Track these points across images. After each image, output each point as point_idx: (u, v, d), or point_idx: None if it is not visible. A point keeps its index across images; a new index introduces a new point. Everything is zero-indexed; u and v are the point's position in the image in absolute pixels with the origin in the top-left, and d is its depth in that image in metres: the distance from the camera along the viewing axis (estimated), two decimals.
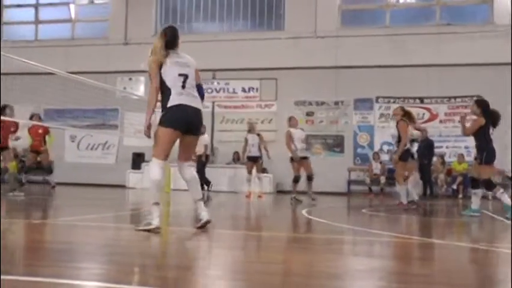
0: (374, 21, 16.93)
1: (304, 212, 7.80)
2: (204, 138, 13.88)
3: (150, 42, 17.38)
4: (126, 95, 16.39)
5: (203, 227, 4.72)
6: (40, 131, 11.74)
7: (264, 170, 13.77)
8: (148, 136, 4.76)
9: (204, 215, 4.76)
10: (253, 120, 14.50)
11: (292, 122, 11.23)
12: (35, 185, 14.77)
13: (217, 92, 17.44)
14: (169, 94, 4.72)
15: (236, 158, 16.14)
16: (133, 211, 7.83)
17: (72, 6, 19.13)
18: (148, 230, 4.46)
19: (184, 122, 4.70)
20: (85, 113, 17.69)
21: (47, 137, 11.96)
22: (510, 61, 13.30)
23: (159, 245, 4.20)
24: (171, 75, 4.76)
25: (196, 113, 4.82)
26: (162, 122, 4.69)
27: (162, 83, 4.75)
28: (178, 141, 4.81)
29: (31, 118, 11.51)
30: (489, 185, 7.42)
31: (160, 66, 4.77)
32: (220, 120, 17.36)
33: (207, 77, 17.29)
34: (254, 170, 12.36)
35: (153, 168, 4.67)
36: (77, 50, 18.08)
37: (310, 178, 10.86)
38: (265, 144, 12.48)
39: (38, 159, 11.93)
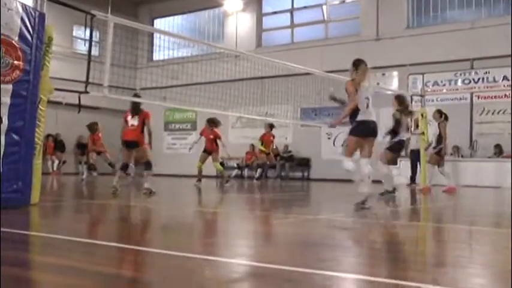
0: None
1: None
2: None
3: (403, 36, 19.65)
4: (380, 90, 18.31)
5: None
6: (211, 136, 14.34)
7: None
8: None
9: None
10: None
11: None
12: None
13: (476, 82, 18.24)
14: (358, 111, 7.37)
15: (498, 152, 16.84)
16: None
17: (324, 7, 21.91)
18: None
19: (366, 131, 7.46)
20: (340, 110, 20.08)
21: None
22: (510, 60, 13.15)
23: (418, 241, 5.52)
24: (360, 98, 7.44)
25: (375, 124, 7.51)
26: (351, 131, 7.56)
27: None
28: None
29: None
30: None
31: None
32: (480, 111, 18.11)
33: (464, 67, 18.35)
34: None
35: (345, 163, 7.40)
36: (330, 49, 20.72)
37: None
38: None
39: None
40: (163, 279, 2.78)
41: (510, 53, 16.83)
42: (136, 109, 10.01)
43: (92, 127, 16.20)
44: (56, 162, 22.45)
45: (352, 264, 3.46)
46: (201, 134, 14.76)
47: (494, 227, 6.13)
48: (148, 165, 10.05)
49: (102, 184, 14.39)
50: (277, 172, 20.30)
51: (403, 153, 12.76)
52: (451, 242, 4.66)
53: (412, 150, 15.01)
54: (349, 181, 11.08)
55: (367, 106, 7.42)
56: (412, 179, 14.95)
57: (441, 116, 12.72)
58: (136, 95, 11.06)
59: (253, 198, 10.65)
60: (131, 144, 10.04)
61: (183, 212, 7.53)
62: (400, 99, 10.74)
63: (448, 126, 14.95)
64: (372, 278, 2.90)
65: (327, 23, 21.98)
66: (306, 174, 21.26)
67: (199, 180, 14.20)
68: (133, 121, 10.00)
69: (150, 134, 10.10)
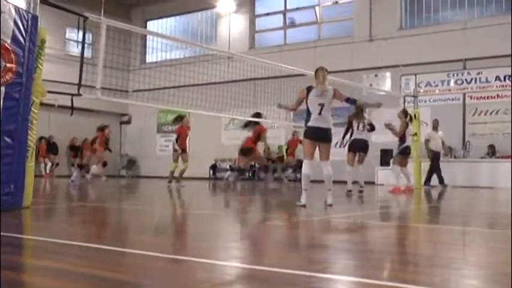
0: None
1: None
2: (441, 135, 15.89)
3: (396, 36, 19.77)
4: (373, 91, 18.37)
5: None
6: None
7: None
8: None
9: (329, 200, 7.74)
10: None
11: None
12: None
13: (468, 82, 18.33)
14: (310, 117, 7.76)
15: (491, 152, 16.93)
16: (384, 209, 8.93)
17: (317, 8, 21.95)
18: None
19: (317, 136, 7.84)
20: (333, 111, 20.06)
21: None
22: (510, 59, 13.63)
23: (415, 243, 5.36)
24: (312, 104, 7.77)
25: (326, 131, 7.80)
26: (304, 135, 8.04)
27: (306, 108, 7.93)
28: None
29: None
30: None
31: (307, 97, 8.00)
32: (473, 112, 18.20)
33: (457, 67, 18.44)
34: None
35: (303, 165, 7.84)
36: (323, 50, 20.76)
37: None
38: None
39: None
40: (155, 282, 2.78)
41: (507, 53, 16.97)
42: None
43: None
44: (49, 164, 22.38)
45: (346, 266, 3.47)
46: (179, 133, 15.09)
47: (488, 228, 6.16)
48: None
49: (100, 187, 14.35)
50: (279, 173, 20.36)
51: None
52: (444, 243, 4.68)
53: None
54: (343, 182, 11.12)
55: (320, 113, 7.68)
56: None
57: (406, 116, 12.84)
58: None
59: (246, 199, 10.66)
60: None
61: (175, 214, 7.53)
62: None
63: (440, 127, 15.09)
64: (365, 280, 2.91)
65: (319, 24, 22.02)
66: (298, 175, 21.23)
67: (170, 182, 14.44)
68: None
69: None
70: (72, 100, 7.44)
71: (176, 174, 14.42)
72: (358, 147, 11.58)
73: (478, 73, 18.27)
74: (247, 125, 14.48)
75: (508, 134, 17.17)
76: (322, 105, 7.66)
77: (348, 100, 8.10)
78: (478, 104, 18.22)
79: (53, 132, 22.16)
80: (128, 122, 26.54)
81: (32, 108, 6.74)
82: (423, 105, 17.56)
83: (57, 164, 22.77)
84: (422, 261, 3.71)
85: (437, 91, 18.97)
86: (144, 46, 26.38)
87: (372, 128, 11.79)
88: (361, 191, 11.11)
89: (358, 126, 11.55)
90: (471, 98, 18.37)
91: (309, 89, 7.81)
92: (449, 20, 19.34)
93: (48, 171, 22.12)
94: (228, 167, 21.75)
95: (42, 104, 7.17)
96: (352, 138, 11.72)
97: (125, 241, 4.61)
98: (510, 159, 16.32)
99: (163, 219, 6.74)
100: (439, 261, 3.61)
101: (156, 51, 25.54)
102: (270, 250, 4.14)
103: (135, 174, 25.85)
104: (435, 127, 15.90)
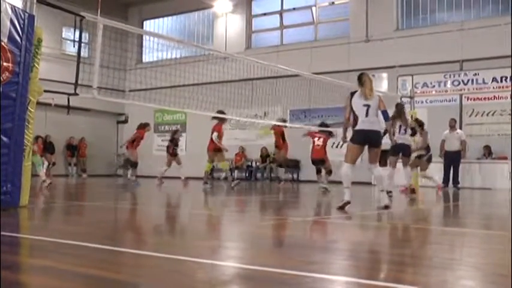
0: None
1: None
2: (461, 134, 15.93)
3: (393, 37, 19.73)
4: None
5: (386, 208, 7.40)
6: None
7: None
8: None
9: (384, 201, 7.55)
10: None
11: None
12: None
13: (465, 83, 18.37)
14: (357, 119, 7.49)
15: (487, 153, 16.96)
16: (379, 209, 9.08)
17: (313, 9, 21.97)
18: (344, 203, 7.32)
19: (365, 140, 7.51)
20: (329, 111, 20.10)
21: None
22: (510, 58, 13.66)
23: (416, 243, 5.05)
24: (357, 106, 7.51)
25: (375, 133, 7.51)
26: (351, 139, 7.69)
27: (352, 110, 7.64)
28: None
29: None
30: None
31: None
32: (470, 113, 18.23)
33: (453, 68, 18.50)
34: None
35: (343, 169, 7.61)
36: (320, 51, 20.79)
37: None
38: None
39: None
40: (153, 282, 2.78)
41: (503, 54, 17.02)
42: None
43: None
44: (46, 164, 22.31)
45: (342, 266, 3.48)
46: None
47: (485, 229, 6.18)
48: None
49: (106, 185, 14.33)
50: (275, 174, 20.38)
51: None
52: (441, 244, 4.69)
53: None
54: (339, 183, 11.12)
55: (367, 114, 7.43)
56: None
57: (421, 127, 12.93)
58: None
59: (242, 200, 10.66)
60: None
61: (173, 214, 7.53)
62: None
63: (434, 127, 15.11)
64: (361, 281, 2.91)
65: (316, 24, 22.03)
66: (295, 176, 21.29)
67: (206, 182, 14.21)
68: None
69: None
70: (68, 99, 7.44)
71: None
72: (400, 151, 11.16)
73: (475, 74, 18.31)
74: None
75: (503, 135, 17.21)
76: (368, 107, 7.43)
77: (384, 113, 7.70)
78: (474, 105, 18.25)
79: (50, 132, 22.11)
80: (125, 121, 26.49)
81: (29, 107, 6.73)
82: (420, 106, 17.56)
83: (54, 164, 22.72)
84: (419, 262, 3.72)
85: (434, 92, 19.00)
86: (141, 46, 26.35)
87: (413, 131, 11.69)
88: (412, 191, 11.36)
89: (399, 130, 11.12)
90: (468, 99, 18.40)
91: (353, 93, 7.65)
92: (446, 21, 19.37)
93: (45, 170, 22.05)
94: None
95: (38, 103, 7.16)
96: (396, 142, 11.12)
97: (122, 240, 4.60)
98: (507, 161, 16.37)
99: (168, 220, 6.73)
100: (436, 262, 3.62)
101: (152, 51, 25.54)
102: (267, 250, 4.14)
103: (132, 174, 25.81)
104: (452, 127, 15.79)
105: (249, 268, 3.24)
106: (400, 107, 11.25)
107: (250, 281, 2.94)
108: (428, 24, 19.71)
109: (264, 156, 21.27)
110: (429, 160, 13.35)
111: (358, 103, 7.48)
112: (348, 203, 7.36)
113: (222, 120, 13.74)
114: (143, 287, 2.75)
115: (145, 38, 25.75)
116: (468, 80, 18.41)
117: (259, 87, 20.03)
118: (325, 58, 20.38)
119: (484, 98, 18.09)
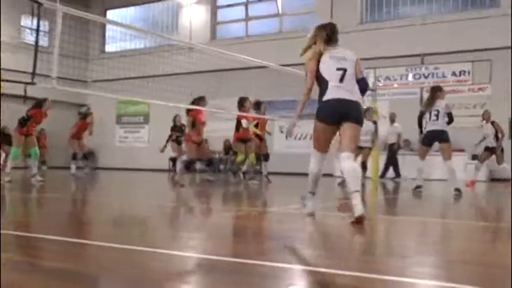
0: None
1: None
2: (396, 127, 16.41)
3: (357, 30, 19.81)
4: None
5: (358, 222, 4.78)
6: None
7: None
8: (290, 135, 5.84)
9: (358, 210, 4.83)
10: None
11: None
12: None
13: (426, 77, 18.67)
14: (326, 86, 5.14)
15: None
16: (342, 200, 8.70)
17: (278, 1, 21.99)
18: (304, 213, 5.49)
19: (337, 115, 5.12)
20: (295, 104, 20.17)
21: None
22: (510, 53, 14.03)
23: (365, 234, 4.48)
24: (329, 69, 5.20)
25: (351, 103, 5.11)
26: (316, 116, 5.26)
27: (319, 76, 5.25)
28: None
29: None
30: None
31: (318, 63, 5.26)
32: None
33: (415, 62, 18.78)
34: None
35: (311, 160, 5.42)
36: (285, 43, 20.81)
37: None
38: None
39: None
40: (112, 273, 2.75)
41: (463, 49, 17.36)
42: None
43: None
44: (3, 155, 21.83)
45: (299, 255, 3.50)
46: None
47: (441, 218, 6.32)
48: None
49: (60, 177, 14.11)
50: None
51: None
52: (396, 233, 4.76)
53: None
54: (304, 174, 11.18)
55: (342, 79, 5.16)
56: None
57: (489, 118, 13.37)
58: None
59: (203, 192, 10.64)
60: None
61: (133, 206, 7.46)
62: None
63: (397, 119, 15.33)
64: (321, 269, 2.94)
65: (281, 16, 22.06)
66: (258, 167, 21.30)
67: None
68: None
69: None
70: (25, 89, 7.28)
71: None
72: (433, 138, 10.00)
73: (435, 68, 18.62)
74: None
75: (461, 128, 17.51)
76: (344, 71, 5.18)
77: (362, 81, 5.38)
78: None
79: (7, 123, 21.62)
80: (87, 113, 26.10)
81: None
82: (382, 99, 17.77)
83: None
84: (378, 250, 3.78)
85: (395, 85, 19.26)
86: (104, 36, 25.97)
87: (450, 118, 9.97)
88: (458, 190, 9.49)
89: (430, 117, 9.93)
90: (428, 92, 18.67)
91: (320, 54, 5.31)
92: (409, 14, 19.62)
93: (1, 162, 21.58)
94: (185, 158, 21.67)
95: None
96: (426, 130, 10.07)
97: (81, 232, 4.54)
98: (464, 153, 16.72)
99: (128, 212, 6.67)
100: (395, 251, 3.68)
101: (115, 41, 25.21)
102: (225, 240, 4.14)
103: (92, 166, 25.48)
104: (392, 120, 16.26)
105: (207, 258, 3.24)
106: (432, 96, 10.20)
107: (208, 270, 2.94)
108: (392, 18, 19.94)
109: (227, 148, 21.26)
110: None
111: (329, 66, 5.21)
112: (311, 215, 5.49)
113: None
114: (102, 278, 2.72)
115: (109, 27, 25.38)
116: (429, 74, 18.71)
117: (224, 78, 20.00)
118: (291, 50, 20.26)
119: None
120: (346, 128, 5.14)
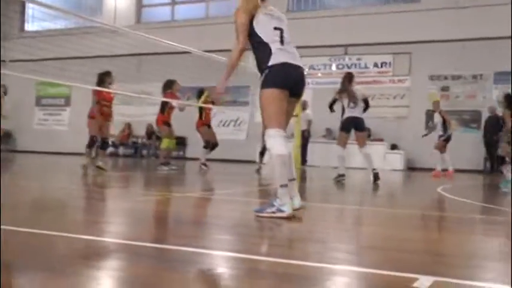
0: None
1: (440, 189, 8.57)
2: (307, 114, 16.57)
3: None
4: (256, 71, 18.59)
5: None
6: None
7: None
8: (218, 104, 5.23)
9: (297, 202, 4.64)
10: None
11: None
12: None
13: (349, 67, 19.11)
14: (269, 51, 4.49)
15: (367, 135, 17.82)
16: (264, 186, 8.82)
17: None
18: (281, 218, 4.27)
19: (293, 82, 4.57)
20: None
21: None
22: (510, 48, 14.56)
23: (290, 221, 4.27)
24: (266, 28, 4.55)
25: (302, 70, 4.70)
26: (271, 84, 4.44)
27: (254, 38, 4.57)
28: None
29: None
30: None
31: (251, 20, 4.56)
32: None
33: (338, 52, 19.17)
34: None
35: (275, 141, 4.38)
36: (211, 29, 20.70)
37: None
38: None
39: None
40: (23, 259, 2.66)
41: (385, 41, 17.82)
42: None
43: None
44: None
45: (215, 240, 3.52)
46: None
47: (358, 206, 6.52)
48: None
49: None
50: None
51: None
52: (316, 220, 4.87)
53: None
54: (226, 161, 11.17)
55: (282, 41, 4.57)
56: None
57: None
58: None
59: (125, 176, 10.48)
60: None
61: (48, 190, 7.24)
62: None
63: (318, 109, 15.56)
64: (239, 255, 2.96)
65: (207, 2, 21.91)
66: (181, 153, 21.17)
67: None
68: None
69: None
70: None
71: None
72: (351, 125, 10.01)
73: (358, 59, 19.09)
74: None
75: (381, 118, 18.03)
76: (281, 31, 4.58)
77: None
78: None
79: None
80: (4, 93, 25.01)
81: None
82: (306, 87, 18.02)
83: None
84: (296, 237, 3.85)
85: (319, 74, 19.59)
86: (23, 13, 24.90)
87: (366, 105, 10.14)
88: (376, 174, 9.61)
89: (348, 103, 9.94)
90: None
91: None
92: (335, 5, 19.97)
93: None
94: (110, 142, 21.24)
95: None
96: (345, 116, 10.05)
97: None
98: (383, 142, 17.28)
99: (38, 195, 6.45)
100: (314, 237, 3.76)
101: (36, 20, 24.23)
102: (141, 225, 4.10)
103: (10, 148, 24.50)
104: (303, 108, 16.47)
105: (117, 242, 3.21)
106: (346, 80, 10.27)
107: (117, 254, 2.90)
108: (318, 8, 20.21)
109: (150, 133, 20.99)
110: None
111: (264, 25, 4.55)
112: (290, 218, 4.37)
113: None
114: (14, 264, 2.62)
115: (29, 5, 24.33)
116: (352, 64, 19.16)
117: (148, 62, 19.68)
118: (217, 36, 20.29)
119: (366, 82, 18.90)
120: (289, 102, 4.60)
